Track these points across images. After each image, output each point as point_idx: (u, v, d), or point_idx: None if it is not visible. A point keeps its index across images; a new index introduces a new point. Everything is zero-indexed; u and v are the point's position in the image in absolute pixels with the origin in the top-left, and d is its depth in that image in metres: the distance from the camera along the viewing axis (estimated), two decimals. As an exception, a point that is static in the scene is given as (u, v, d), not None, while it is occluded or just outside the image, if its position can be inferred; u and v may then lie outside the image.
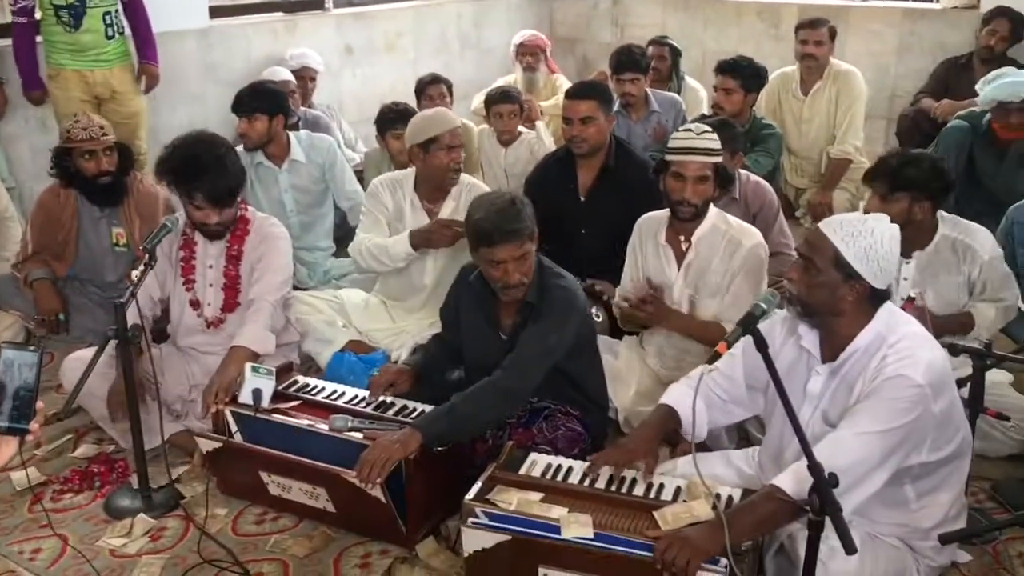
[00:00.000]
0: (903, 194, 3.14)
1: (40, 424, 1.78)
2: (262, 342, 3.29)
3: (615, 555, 2.28)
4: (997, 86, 4.53)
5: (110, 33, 4.93)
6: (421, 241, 3.77)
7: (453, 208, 3.84)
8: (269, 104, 4.38)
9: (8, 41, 4.91)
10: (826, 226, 2.36)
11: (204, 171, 3.23)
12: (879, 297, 2.35)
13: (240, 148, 4.48)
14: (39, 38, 4.89)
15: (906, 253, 3.25)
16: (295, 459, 2.81)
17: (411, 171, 3.94)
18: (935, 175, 3.16)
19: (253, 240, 3.44)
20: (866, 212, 3.15)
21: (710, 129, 3.24)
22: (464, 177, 3.92)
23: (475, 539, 2.43)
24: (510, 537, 2.38)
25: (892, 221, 3.10)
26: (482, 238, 2.84)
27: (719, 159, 3.23)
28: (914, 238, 3.21)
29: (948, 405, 2.33)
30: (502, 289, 2.90)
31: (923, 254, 3.25)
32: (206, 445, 2.99)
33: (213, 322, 3.46)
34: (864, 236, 2.30)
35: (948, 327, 3.18)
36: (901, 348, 2.30)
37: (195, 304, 3.46)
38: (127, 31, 5.06)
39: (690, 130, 3.23)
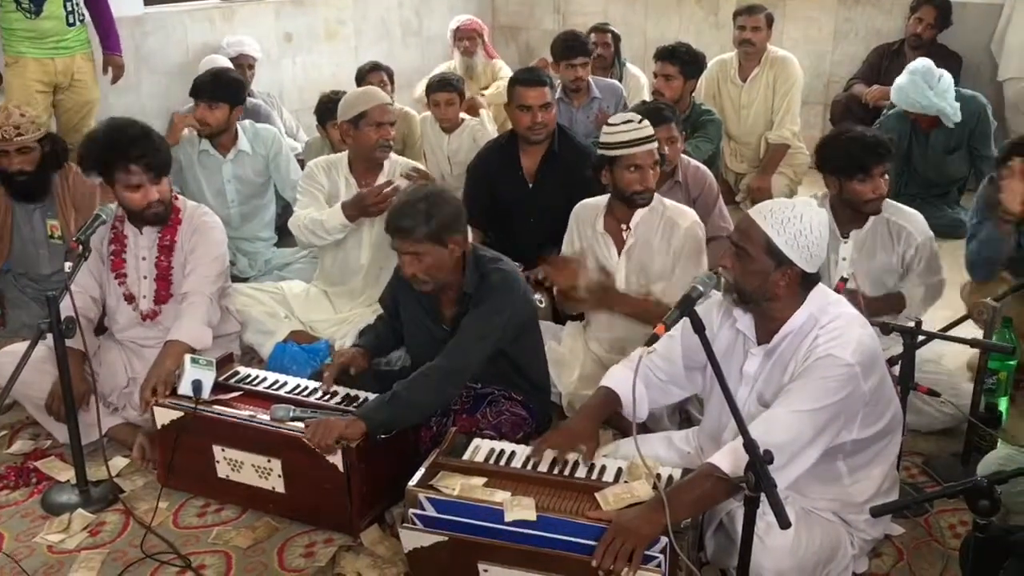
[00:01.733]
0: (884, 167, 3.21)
1: None
2: (198, 336, 3.24)
3: (551, 553, 2.30)
4: (895, 88, 4.75)
5: (71, 20, 4.87)
6: (354, 211, 3.77)
7: None
8: (232, 94, 4.37)
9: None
10: (756, 214, 2.39)
11: (136, 140, 3.18)
12: (811, 281, 2.40)
13: (187, 133, 4.45)
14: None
15: (844, 233, 3.33)
16: (256, 425, 2.83)
17: (345, 153, 3.98)
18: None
19: (185, 230, 3.39)
20: (875, 196, 3.21)
21: (641, 116, 3.31)
22: (395, 156, 3.97)
23: (413, 538, 2.43)
24: (447, 537, 2.38)
25: (882, 194, 3.19)
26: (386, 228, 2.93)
27: (656, 144, 3.31)
28: (853, 217, 3.29)
29: (878, 383, 2.39)
30: (409, 280, 2.94)
31: (859, 233, 3.32)
32: (163, 417, 2.96)
33: (148, 315, 3.41)
34: (794, 222, 2.33)
35: (882, 308, 3.26)
36: (832, 328, 2.35)
37: (129, 298, 3.40)
38: (88, 19, 5.00)
39: (631, 121, 3.27)
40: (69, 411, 2.95)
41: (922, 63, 4.81)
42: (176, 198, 3.43)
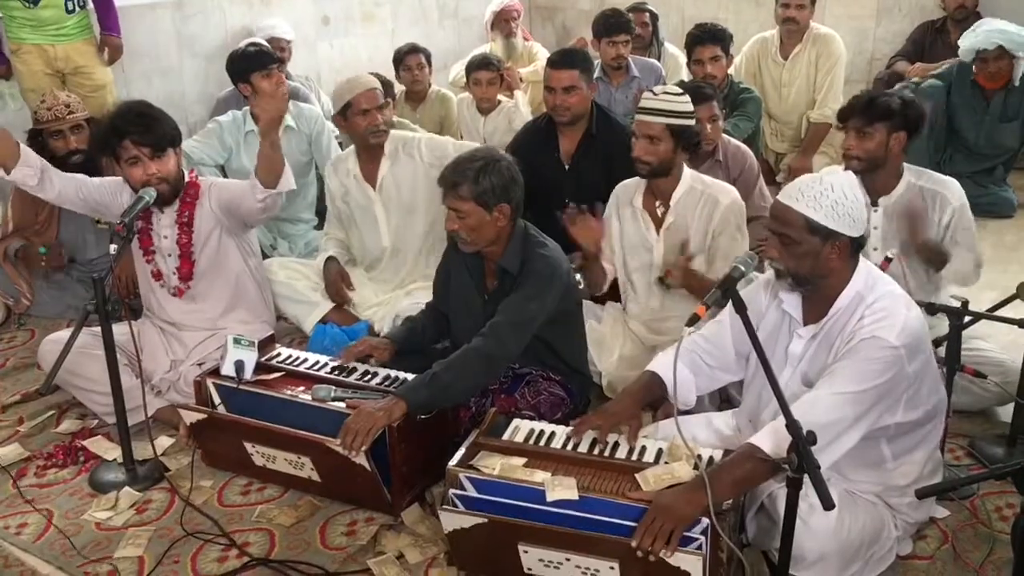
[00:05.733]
0: (880, 124, 3.15)
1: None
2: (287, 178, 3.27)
3: (590, 535, 2.29)
4: (975, 35, 4.62)
5: (70, 7, 4.88)
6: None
7: (390, 166, 3.90)
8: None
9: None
10: (787, 198, 2.35)
11: (130, 118, 3.22)
12: (859, 244, 2.37)
13: (229, 117, 4.51)
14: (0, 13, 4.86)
15: (872, 200, 3.27)
16: (278, 428, 2.82)
17: (352, 147, 4.01)
18: (906, 104, 3.20)
19: (204, 205, 3.39)
20: (845, 151, 3.21)
21: (676, 91, 3.28)
22: (396, 134, 3.96)
23: (453, 520, 2.44)
24: (487, 519, 2.39)
25: (871, 157, 3.16)
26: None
27: (673, 121, 3.23)
28: (881, 182, 3.24)
29: (923, 365, 2.35)
30: (451, 235, 2.98)
31: (888, 200, 3.26)
32: (190, 417, 2.99)
33: (176, 292, 3.44)
34: (827, 195, 2.30)
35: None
36: (878, 308, 2.32)
37: (157, 275, 3.45)
38: (89, 4, 5.01)
39: (652, 91, 3.27)
40: (115, 391, 2.99)
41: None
42: (195, 176, 3.43)
